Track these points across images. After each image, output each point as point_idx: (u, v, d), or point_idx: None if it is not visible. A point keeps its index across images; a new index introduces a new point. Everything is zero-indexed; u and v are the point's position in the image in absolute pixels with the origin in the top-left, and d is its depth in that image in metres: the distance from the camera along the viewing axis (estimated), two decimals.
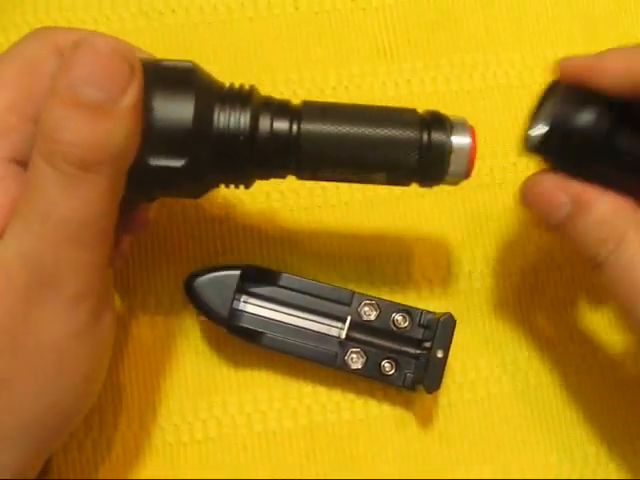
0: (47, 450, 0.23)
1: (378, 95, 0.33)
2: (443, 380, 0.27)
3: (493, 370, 0.30)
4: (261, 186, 0.26)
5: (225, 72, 0.32)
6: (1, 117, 0.22)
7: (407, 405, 0.30)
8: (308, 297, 0.28)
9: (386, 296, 0.29)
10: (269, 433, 0.29)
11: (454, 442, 0.30)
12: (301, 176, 0.24)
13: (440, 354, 0.27)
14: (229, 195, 0.31)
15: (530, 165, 0.32)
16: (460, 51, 0.34)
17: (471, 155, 0.24)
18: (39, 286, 0.20)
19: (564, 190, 0.24)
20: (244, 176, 0.24)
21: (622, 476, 0.30)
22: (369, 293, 0.29)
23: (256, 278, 0.28)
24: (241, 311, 0.28)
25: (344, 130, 0.23)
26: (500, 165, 0.33)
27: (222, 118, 0.22)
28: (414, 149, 0.23)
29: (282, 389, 0.29)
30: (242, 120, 0.22)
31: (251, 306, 0.28)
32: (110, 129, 0.19)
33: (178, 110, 0.21)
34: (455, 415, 0.30)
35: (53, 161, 0.19)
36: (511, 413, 0.30)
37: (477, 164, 0.32)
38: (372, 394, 0.30)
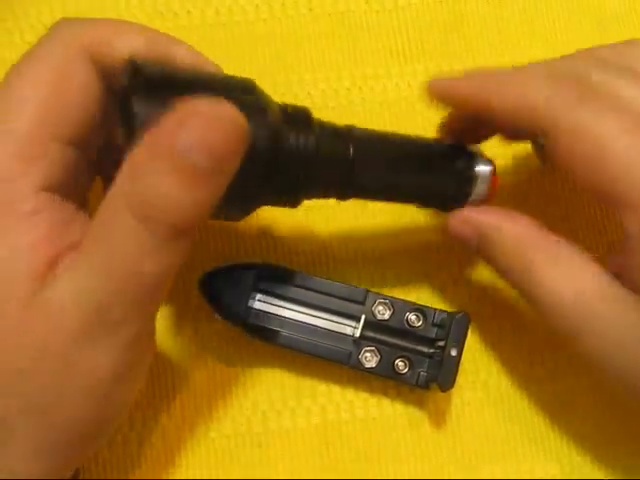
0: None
1: (391, 96, 0.33)
2: (457, 379, 0.27)
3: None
4: None
5: (239, 73, 0.33)
6: (30, 138, 0.20)
7: (420, 404, 0.30)
8: (322, 296, 0.28)
9: (400, 295, 0.29)
10: (283, 431, 0.29)
11: (467, 441, 0.30)
12: (344, 198, 0.25)
13: (454, 353, 0.27)
14: None
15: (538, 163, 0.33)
16: (473, 53, 0.34)
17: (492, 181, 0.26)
18: (94, 329, 0.19)
19: (468, 223, 0.25)
20: (296, 196, 0.23)
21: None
22: (383, 292, 0.29)
23: (271, 277, 0.28)
24: (256, 310, 0.28)
25: (395, 157, 0.24)
26: (514, 165, 0.33)
27: (292, 140, 0.22)
28: (454, 178, 0.25)
29: (296, 388, 0.30)
30: (309, 142, 0.22)
31: (266, 305, 0.28)
32: (211, 196, 0.18)
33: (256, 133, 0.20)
34: (468, 414, 0.30)
35: (144, 221, 0.18)
36: (524, 413, 0.30)
37: None
38: (385, 393, 0.30)
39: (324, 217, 0.31)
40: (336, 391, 0.30)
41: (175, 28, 0.33)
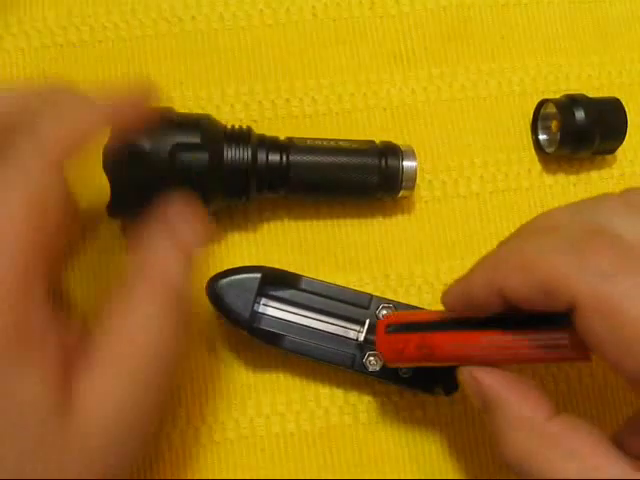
0: None
1: (395, 101, 0.33)
2: None
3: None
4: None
5: (244, 78, 0.33)
6: (25, 274, 0.19)
7: (424, 408, 0.30)
8: (327, 300, 0.29)
9: (403, 299, 0.30)
10: (287, 435, 0.29)
11: (471, 445, 0.30)
12: (290, 196, 0.30)
13: None
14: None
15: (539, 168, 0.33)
16: (476, 59, 0.34)
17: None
18: None
19: (476, 385, 0.23)
20: (245, 197, 0.29)
21: None
22: (386, 296, 0.29)
23: (276, 281, 0.28)
24: (262, 314, 0.28)
25: (322, 160, 0.29)
26: (515, 171, 0.33)
27: (230, 155, 0.28)
28: (375, 172, 0.30)
29: (300, 391, 0.30)
30: (245, 155, 0.28)
31: (271, 309, 0.28)
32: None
33: (197, 157, 0.27)
34: (471, 417, 0.30)
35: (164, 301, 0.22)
36: None
37: (495, 167, 0.33)
38: (389, 397, 0.30)
39: (326, 221, 0.32)
40: (339, 395, 0.30)
41: (180, 33, 0.33)
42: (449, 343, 0.24)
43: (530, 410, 0.22)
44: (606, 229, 0.21)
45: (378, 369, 0.28)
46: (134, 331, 0.21)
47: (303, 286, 0.29)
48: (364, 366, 0.28)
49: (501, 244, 0.24)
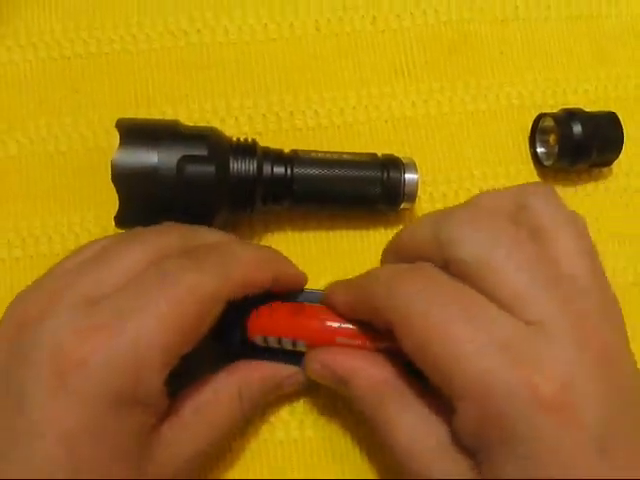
0: None
1: (396, 115, 0.34)
2: None
3: None
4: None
5: (248, 92, 0.34)
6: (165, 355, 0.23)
7: None
8: None
9: None
10: (291, 441, 0.30)
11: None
12: (294, 207, 0.31)
13: None
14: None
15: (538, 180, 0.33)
16: (475, 73, 0.35)
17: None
18: None
19: (326, 367, 0.27)
20: (250, 209, 0.30)
21: None
22: None
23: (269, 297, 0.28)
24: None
25: (326, 173, 0.30)
26: (513, 183, 0.33)
27: (235, 168, 0.28)
28: (377, 185, 0.30)
29: (303, 398, 0.30)
30: (251, 168, 0.29)
31: None
32: None
33: (204, 170, 0.28)
34: None
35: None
36: None
37: (494, 180, 0.34)
38: None
39: (328, 233, 0.33)
40: (340, 402, 0.30)
41: (186, 46, 0.34)
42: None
43: (379, 371, 0.25)
44: (424, 266, 0.24)
45: None
46: (213, 417, 0.26)
47: (299, 298, 0.29)
48: None
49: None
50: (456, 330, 0.22)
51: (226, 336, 0.28)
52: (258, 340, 0.27)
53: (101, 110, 0.33)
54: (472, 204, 0.26)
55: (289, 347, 0.27)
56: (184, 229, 0.27)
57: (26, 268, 0.31)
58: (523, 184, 0.27)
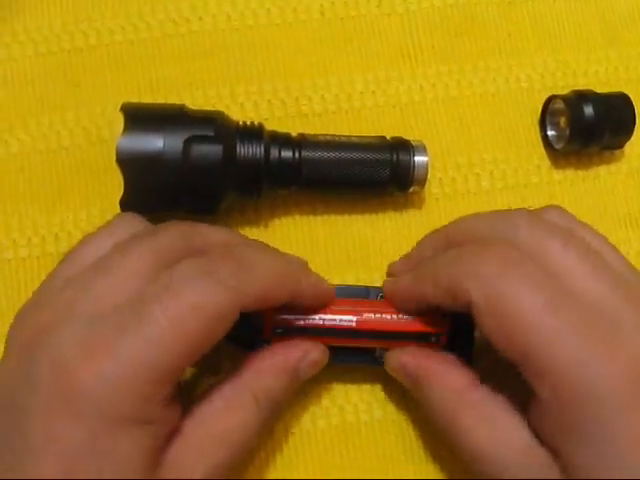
0: None
1: (404, 99, 0.33)
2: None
3: None
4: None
5: (252, 78, 0.33)
6: (168, 368, 0.22)
7: None
8: None
9: None
10: (303, 433, 0.29)
11: None
12: (301, 191, 0.30)
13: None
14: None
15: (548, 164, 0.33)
16: (483, 56, 0.34)
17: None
18: None
19: (405, 368, 0.27)
20: (257, 193, 0.29)
21: None
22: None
23: None
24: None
25: (334, 156, 0.29)
26: (524, 167, 0.33)
27: (242, 151, 0.28)
28: (386, 167, 0.30)
29: (314, 390, 0.30)
30: (258, 151, 0.28)
31: None
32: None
33: (211, 150, 0.27)
34: None
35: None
36: None
37: (504, 164, 0.33)
38: (403, 394, 0.30)
39: (337, 217, 0.32)
40: (354, 392, 0.30)
41: (187, 34, 0.33)
42: None
43: (453, 380, 0.26)
44: (507, 240, 0.25)
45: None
46: (223, 430, 0.24)
47: None
48: (376, 359, 0.28)
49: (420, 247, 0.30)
50: (544, 316, 0.22)
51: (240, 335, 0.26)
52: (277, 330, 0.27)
53: (104, 103, 0.33)
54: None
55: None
56: (185, 227, 0.26)
57: (33, 268, 0.31)
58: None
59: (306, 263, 0.28)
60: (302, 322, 0.27)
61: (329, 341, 0.27)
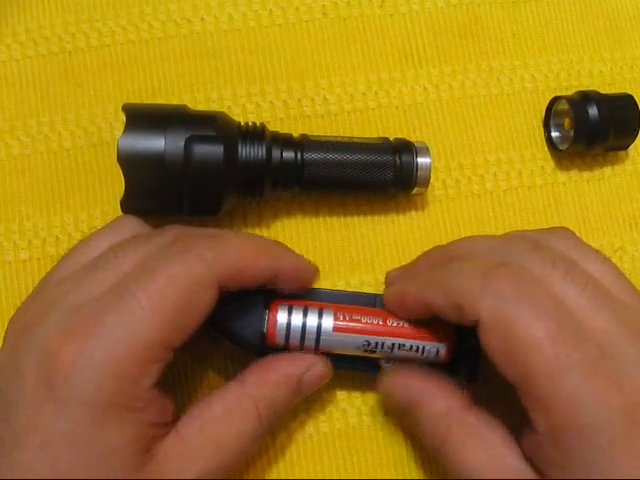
0: None
1: (407, 100, 0.33)
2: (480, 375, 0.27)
3: None
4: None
5: (254, 79, 0.33)
6: (152, 346, 0.22)
7: None
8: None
9: None
10: (306, 436, 0.29)
11: None
12: (304, 192, 0.30)
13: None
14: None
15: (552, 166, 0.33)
16: (487, 56, 0.34)
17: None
18: None
19: (400, 391, 0.26)
20: (259, 195, 0.29)
21: None
22: None
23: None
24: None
25: (336, 157, 0.29)
26: (528, 168, 0.33)
27: (244, 152, 0.28)
28: (390, 169, 0.29)
29: (317, 394, 0.30)
30: (260, 152, 0.28)
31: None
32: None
33: (212, 149, 0.27)
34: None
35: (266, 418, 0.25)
36: None
37: (508, 165, 0.33)
38: None
39: (339, 220, 0.32)
40: (357, 396, 0.30)
41: (189, 34, 0.33)
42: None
43: (446, 403, 0.25)
44: (514, 263, 0.24)
45: (392, 365, 0.28)
46: (221, 435, 0.24)
47: (307, 297, 0.28)
48: (380, 367, 0.28)
49: (426, 258, 0.29)
50: (549, 345, 0.22)
51: (243, 337, 0.27)
52: (278, 338, 0.26)
53: (105, 104, 0.32)
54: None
55: (315, 321, 0.26)
56: (182, 231, 0.26)
57: (33, 270, 0.31)
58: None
59: (285, 245, 0.28)
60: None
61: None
